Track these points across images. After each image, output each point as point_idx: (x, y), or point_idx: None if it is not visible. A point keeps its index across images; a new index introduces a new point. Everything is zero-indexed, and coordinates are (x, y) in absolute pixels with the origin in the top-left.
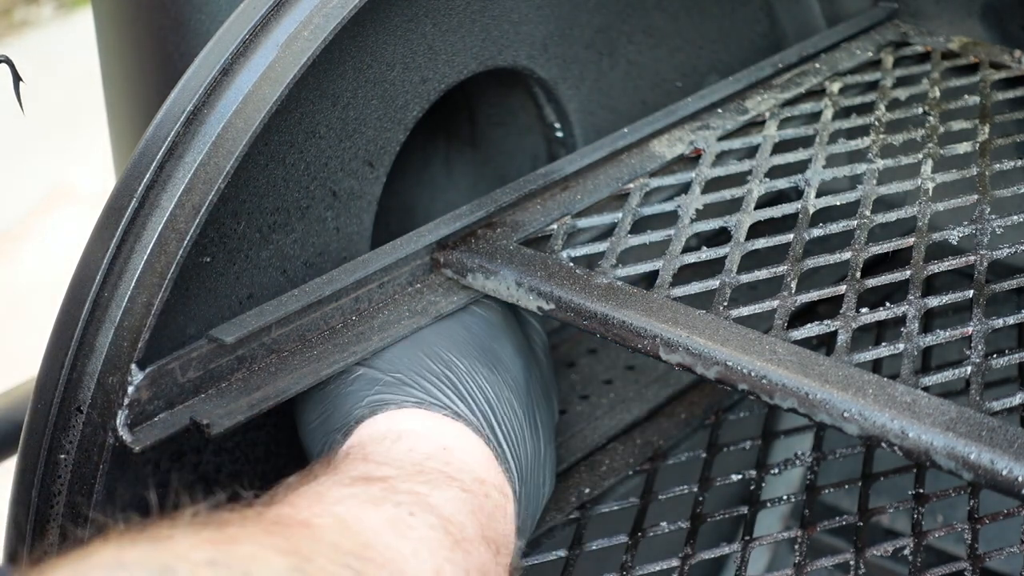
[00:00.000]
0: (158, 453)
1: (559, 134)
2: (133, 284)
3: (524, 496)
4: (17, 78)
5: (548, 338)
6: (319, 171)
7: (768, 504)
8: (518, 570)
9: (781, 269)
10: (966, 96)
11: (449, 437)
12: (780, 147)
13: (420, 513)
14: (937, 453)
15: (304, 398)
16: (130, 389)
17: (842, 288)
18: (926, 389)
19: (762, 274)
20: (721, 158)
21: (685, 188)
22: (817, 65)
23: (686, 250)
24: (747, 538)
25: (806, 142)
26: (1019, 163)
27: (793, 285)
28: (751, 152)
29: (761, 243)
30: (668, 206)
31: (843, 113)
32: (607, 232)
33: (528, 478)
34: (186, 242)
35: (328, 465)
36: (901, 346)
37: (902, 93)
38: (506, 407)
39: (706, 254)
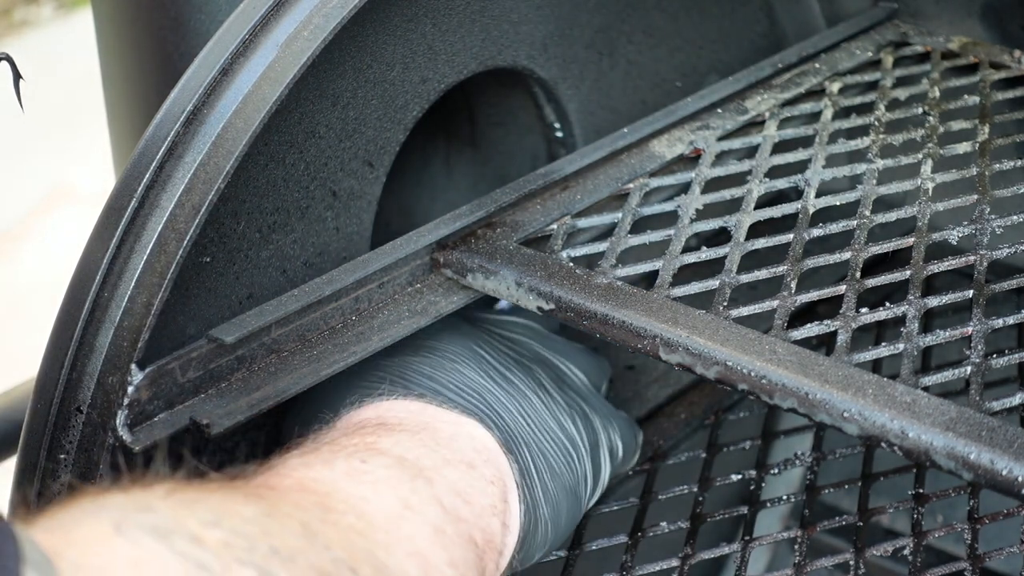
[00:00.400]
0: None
1: (559, 134)
2: (133, 284)
3: (511, 428)
4: (17, 76)
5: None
6: (319, 171)
7: (768, 504)
8: (524, 488)
9: (781, 269)
10: (966, 96)
11: (379, 409)
12: (780, 147)
13: (371, 458)
14: (937, 453)
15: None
16: (130, 389)
17: (842, 288)
18: (926, 389)
19: (762, 274)
20: (721, 158)
21: (685, 188)
22: (817, 65)
23: (686, 250)
24: (747, 538)
25: (806, 142)
26: (1019, 163)
27: (793, 285)
28: (751, 152)
29: (761, 243)
30: (668, 206)
31: (843, 113)
32: (607, 232)
33: (514, 416)
34: (186, 242)
35: (283, 451)
36: (901, 346)
37: (902, 93)
38: (449, 371)
39: (706, 254)
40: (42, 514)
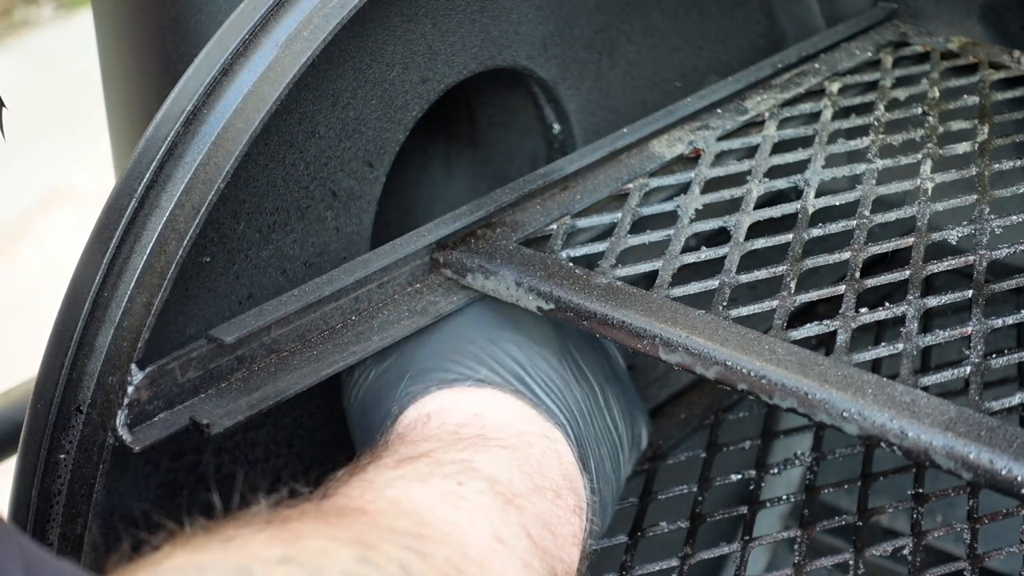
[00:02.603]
0: (158, 453)
1: (559, 134)
2: (133, 284)
3: (583, 436)
4: (0, 104)
5: None
6: (319, 171)
7: (768, 504)
8: (591, 506)
9: (780, 269)
10: (965, 96)
11: (477, 403)
12: (779, 147)
13: (468, 480)
14: (936, 453)
15: (347, 403)
16: (130, 389)
17: (841, 288)
18: (925, 389)
19: (761, 274)
20: (720, 158)
21: (684, 188)
22: (816, 65)
23: (685, 250)
24: (746, 538)
25: (805, 142)
26: (1018, 163)
27: (792, 285)
28: (750, 152)
29: (760, 243)
30: (667, 206)
31: (842, 113)
32: (607, 232)
33: (585, 420)
34: (186, 242)
35: (371, 455)
36: (900, 346)
37: (901, 93)
38: (537, 360)
39: (705, 254)
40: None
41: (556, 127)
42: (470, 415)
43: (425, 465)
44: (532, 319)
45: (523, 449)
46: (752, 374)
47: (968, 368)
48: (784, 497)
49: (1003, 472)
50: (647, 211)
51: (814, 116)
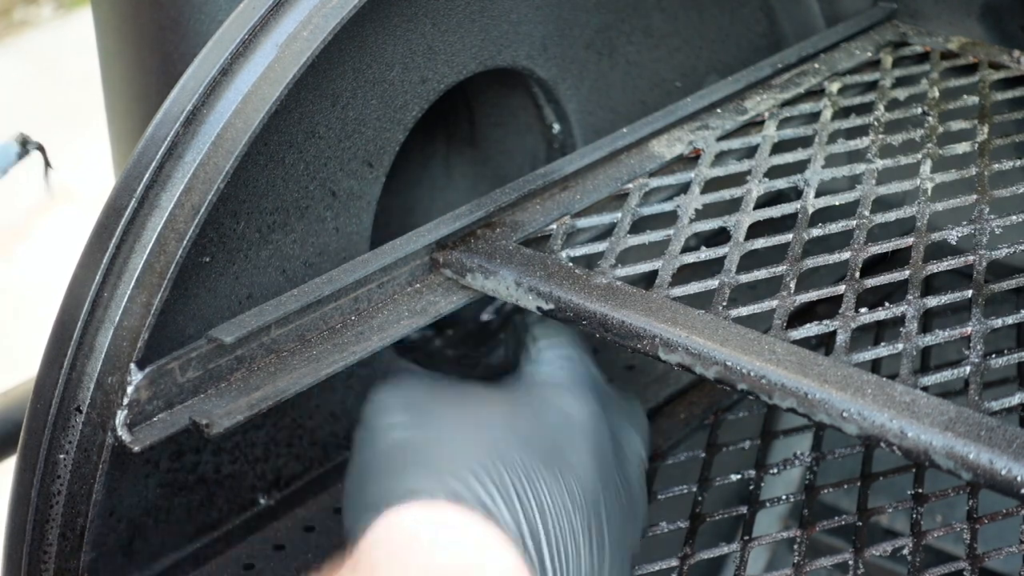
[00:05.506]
0: (158, 453)
1: (559, 134)
2: (132, 284)
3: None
4: (47, 165)
5: None
6: (318, 171)
7: (767, 504)
8: None
9: (780, 269)
10: (965, 96)
11: (480, 550)
12: (779, 147)
13: None
14: (936, 453)
15: (351, 467)
16: (129, 389)
17: (841, 288)
18: (925, 389)
19: (761, 274)
20: (720, 158)
21: (684, 188)
22: (816, 65)
23: (685, 250)
24: (746, 538)
25: (805, 142)
26: (1018, 163)
27: (792, 285)
28: (750, 152)
29: (760, 243)
30: (667, 206)
31: (842, 113)
32: (606, 232)
33: (552, 537)
34: (185, 242)
35: (353, 572)
36: (900, 346)
37: (901, 93)
38: (560, 516)
39: (705, 254)
40: None
41: (556, 127)
42: (467, 565)
43: None
44: (579, 463)
45: None
46: (752, 374)
47: (968, 368)
48: (784, 497)
49: (1003, 472)
50: (647, 211)
51: (814, 116)
